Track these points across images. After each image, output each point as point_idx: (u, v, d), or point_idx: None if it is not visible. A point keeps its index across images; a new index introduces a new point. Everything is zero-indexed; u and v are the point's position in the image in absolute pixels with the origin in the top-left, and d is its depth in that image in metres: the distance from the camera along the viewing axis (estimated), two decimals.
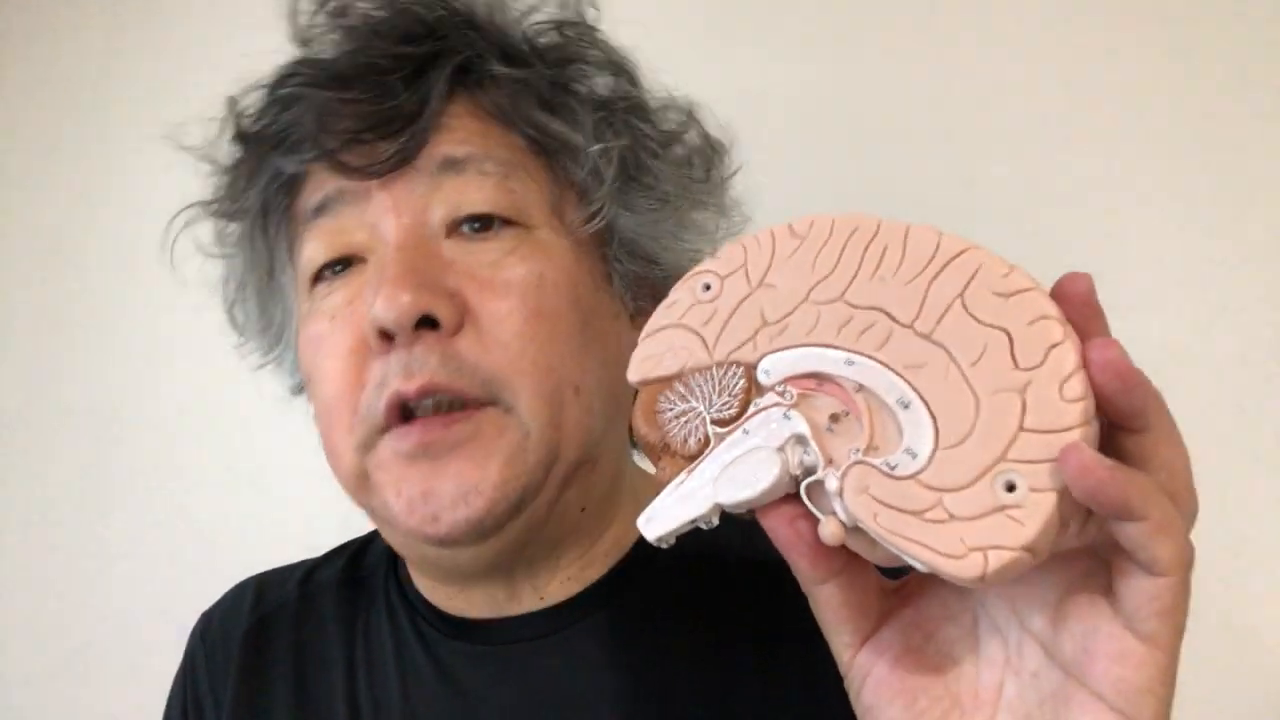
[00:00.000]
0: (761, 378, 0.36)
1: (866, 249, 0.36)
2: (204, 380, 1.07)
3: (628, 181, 0.53)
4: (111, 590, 1.06)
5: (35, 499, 1.10)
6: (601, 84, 0.54)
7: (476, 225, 0.49)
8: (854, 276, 0.35)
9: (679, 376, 0.38)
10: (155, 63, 1.16)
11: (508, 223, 0.50)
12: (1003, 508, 0.30)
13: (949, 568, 0.30)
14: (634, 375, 0.39)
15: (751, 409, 0.35)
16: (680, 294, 0.39)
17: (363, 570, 0.62)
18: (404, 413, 0.47)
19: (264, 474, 1.04)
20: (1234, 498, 0.82)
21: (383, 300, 0.46)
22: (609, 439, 0.53)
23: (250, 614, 0.61)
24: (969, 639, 0.35)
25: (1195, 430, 0.79)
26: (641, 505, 0.58)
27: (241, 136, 0.55)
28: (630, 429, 0.56)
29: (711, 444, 0.36)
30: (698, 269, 0.39)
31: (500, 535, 0.48)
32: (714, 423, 0.36)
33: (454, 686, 0.53)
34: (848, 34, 0.97)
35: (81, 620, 1.06)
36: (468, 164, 0.50)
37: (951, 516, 0.31)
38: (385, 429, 0.48)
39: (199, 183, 1.11)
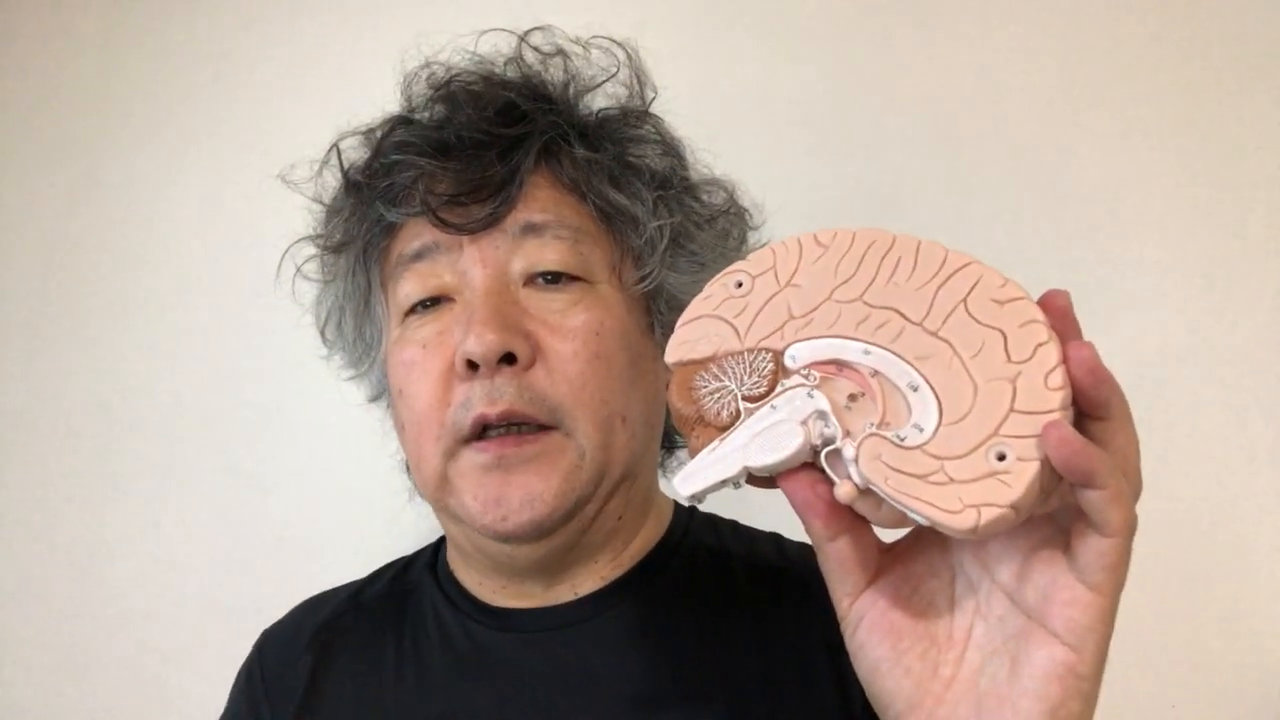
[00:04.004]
0: (788, 362, 0.42)
1: (883, 258, 0.42)
2: (204, 380, 1.08)
3: (676, 249, 0.62)
4: (111, 590, 1.06)
5: (35, 499, 1.09)
6: (658, 162, 0.64)
7: (550, 278, 0.58)
8: (871, 281, 0.42)
9: (712, 359, 0.43)
10: (156, 63, 1.17)
11: (574, 278, 0.59)
12: (994, 473, 0.36)
13: (948, 521, 0.36)
14: (671, 357, 0.44)
15: (779, 389, 0.41)
16: (714, 289, 0.45)
17: (408, 583, 0.70)
18: (482, 430, 0.56)
19: (264, 474, 1.05)
20: (1234, 498, 0.82)
21: (474, 338, 0.55)
22: (645, 459, 0.63)
23: (312, 623, 0.69)
24: (947, 590, 0.42)
25: (1196, 430, 0.84)
26: (665, 517, 0.66)
27: (353, 185, 0.64)
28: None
29: (742, 417, 0.41)
30: (731, 268, 0.45)
31: (554, 536, 0.58)
32: (744, 399, 0.42)
33: (494, 667, 0.61)
34: (847, 34, 0.99)
35: (81, 620, 1.05)
36: (545, 229, 0.59)
37: (951, 479, 0.37)
38: (467, 441, 0.56)
39: (199, 185, 1.15)
